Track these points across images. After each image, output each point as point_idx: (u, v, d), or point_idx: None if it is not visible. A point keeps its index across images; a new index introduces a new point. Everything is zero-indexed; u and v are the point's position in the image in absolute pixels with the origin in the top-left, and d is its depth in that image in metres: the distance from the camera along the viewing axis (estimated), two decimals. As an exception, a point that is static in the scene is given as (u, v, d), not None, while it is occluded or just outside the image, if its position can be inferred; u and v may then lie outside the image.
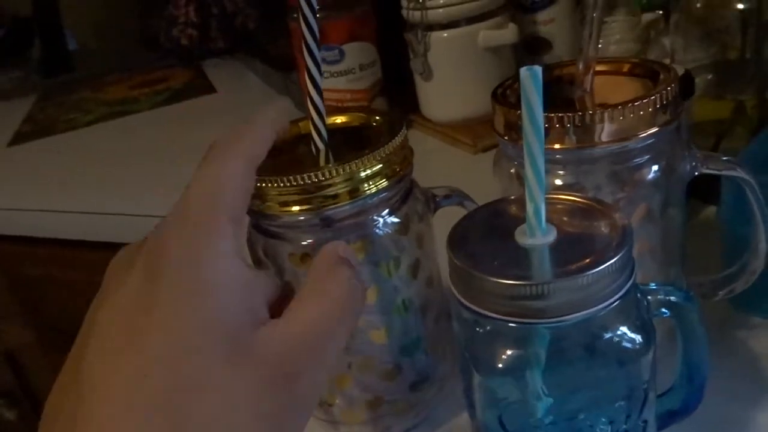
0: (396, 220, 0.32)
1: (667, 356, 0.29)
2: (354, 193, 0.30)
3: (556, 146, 0.32)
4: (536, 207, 0.25)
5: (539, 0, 0.72)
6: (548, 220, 0.26)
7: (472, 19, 0.68)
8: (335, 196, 0.29)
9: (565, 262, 0.24)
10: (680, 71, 0.40)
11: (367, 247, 0.32)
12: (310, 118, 0.31)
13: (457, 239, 0.27)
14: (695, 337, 0.29)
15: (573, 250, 0.25)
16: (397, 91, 0.77)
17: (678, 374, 0.30)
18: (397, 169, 0.31)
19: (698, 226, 0.48)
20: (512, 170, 0.34)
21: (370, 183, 0.30)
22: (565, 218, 0.27)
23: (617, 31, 0.63)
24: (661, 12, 0.65)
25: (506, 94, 0.35)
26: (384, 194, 0.31)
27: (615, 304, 0.24)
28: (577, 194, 0.28)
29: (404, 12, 0.70)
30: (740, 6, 0.49)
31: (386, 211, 0.32)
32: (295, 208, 0.30)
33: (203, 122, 1.01)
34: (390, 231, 0.32)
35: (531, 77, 0.23)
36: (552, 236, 0.26)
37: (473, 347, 0.27)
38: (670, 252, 0.35)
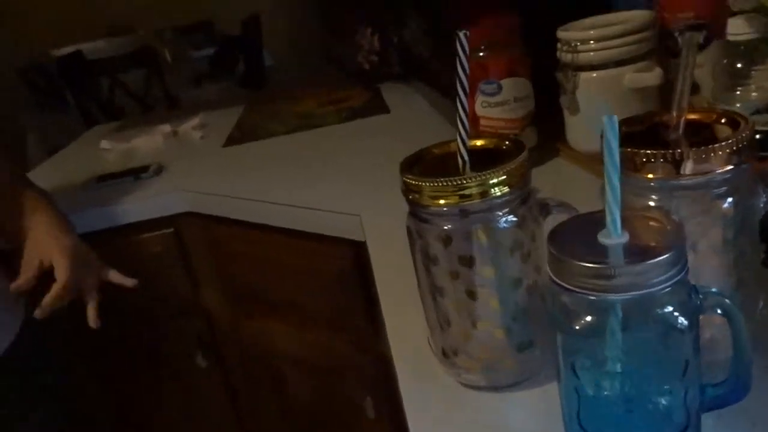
0: (514, 218, 0.43)
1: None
2: (484, 194, 0.42)
3: (650, 176, 0.41)
4: (613, 218, 0.35)
5: (688, 46, 0.78)
6: (623, 227, 0.36)
7: (620, 62, 0.76)
8: (470, 195, 0.42)
9: (631, 255, 0.34)
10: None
11: (490, 235, 0.43)
12: (458, 140, 0.44)
13: (556, 236, 0.38)
14: (739, 333, 0.36)
15: (638, 249, 0.35)
16: (546, 121, 0.87)
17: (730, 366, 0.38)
18: (517, 181, 0.43)
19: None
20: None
21: (496, 189, 0.42)
22: (636, 227, 0.36)
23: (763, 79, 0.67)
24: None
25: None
26: (506, 198, 0.42)
27: (667, 290, 0.34)
28: (648, 211, 0.37)
29: (558, 53, 0.80)
30: None
31: (507, 210, 0.43)
32: (442, 201, 0.42)
33: (376, 137, 1.19)
34: (509, 226, 0.43)
35: (610, 125, 0.33)
36: (624, 239, 0.35)
37: (561, 317, 0.37)
38: (743, 273, 0.43)
